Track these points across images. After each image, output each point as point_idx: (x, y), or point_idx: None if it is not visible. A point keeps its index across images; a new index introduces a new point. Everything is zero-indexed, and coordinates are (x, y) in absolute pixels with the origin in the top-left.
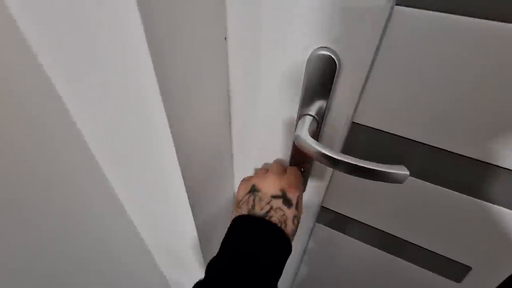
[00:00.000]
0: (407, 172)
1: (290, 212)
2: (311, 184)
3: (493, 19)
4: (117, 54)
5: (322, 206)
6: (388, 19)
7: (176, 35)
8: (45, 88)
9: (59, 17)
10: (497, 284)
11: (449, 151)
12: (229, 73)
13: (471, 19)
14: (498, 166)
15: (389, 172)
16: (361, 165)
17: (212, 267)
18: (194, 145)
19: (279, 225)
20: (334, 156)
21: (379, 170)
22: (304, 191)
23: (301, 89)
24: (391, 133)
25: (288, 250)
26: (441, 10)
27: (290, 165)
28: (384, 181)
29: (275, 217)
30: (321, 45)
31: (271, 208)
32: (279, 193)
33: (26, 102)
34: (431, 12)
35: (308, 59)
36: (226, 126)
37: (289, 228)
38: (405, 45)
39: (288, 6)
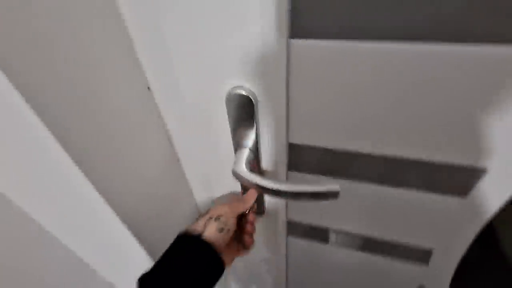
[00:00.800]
0: (338, 188)
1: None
2: (272, 203)
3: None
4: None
5: (287, 220)
6: (288, 51)
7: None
8: None
9: None
10: (459, 258)
11: (379, 154)
12: (163, 118)
13: (357, 42)
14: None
15: (322, 192)
16: (296, 190)
17: (143, 283)
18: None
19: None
20: (269, 187)
21: (313, 192)
22: (263, 212)
23: (228, 125)
24: (326, 147)
25: (218, 267)
26: (330, 38)
27: (244, 191)
28: (322, 201)
29: (210, 237)
30: (236, 85)
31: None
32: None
33: None
34: (321, 41)
35: (227, 98)
36: (178, 169)
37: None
38: (310, 70)
39: (195, 53)
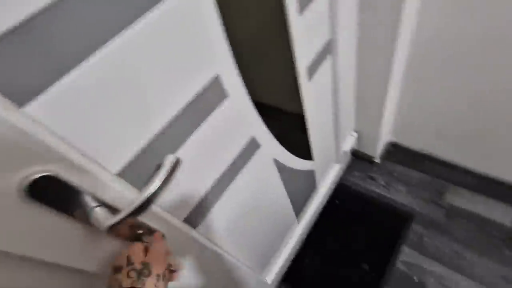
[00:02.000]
0: (176, 156)
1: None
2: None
3: None
4: None
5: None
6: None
7: None
8: None
9: None
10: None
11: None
12: None
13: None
14: None
15: (171, 167)
16: (161, 181)
17: None
18: None
19: None
20: (146, 198)
21: (169, 173)
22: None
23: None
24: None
25: None
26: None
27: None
28: (177, 172)
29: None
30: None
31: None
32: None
33: None
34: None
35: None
36: None
37: None
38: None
39: None
